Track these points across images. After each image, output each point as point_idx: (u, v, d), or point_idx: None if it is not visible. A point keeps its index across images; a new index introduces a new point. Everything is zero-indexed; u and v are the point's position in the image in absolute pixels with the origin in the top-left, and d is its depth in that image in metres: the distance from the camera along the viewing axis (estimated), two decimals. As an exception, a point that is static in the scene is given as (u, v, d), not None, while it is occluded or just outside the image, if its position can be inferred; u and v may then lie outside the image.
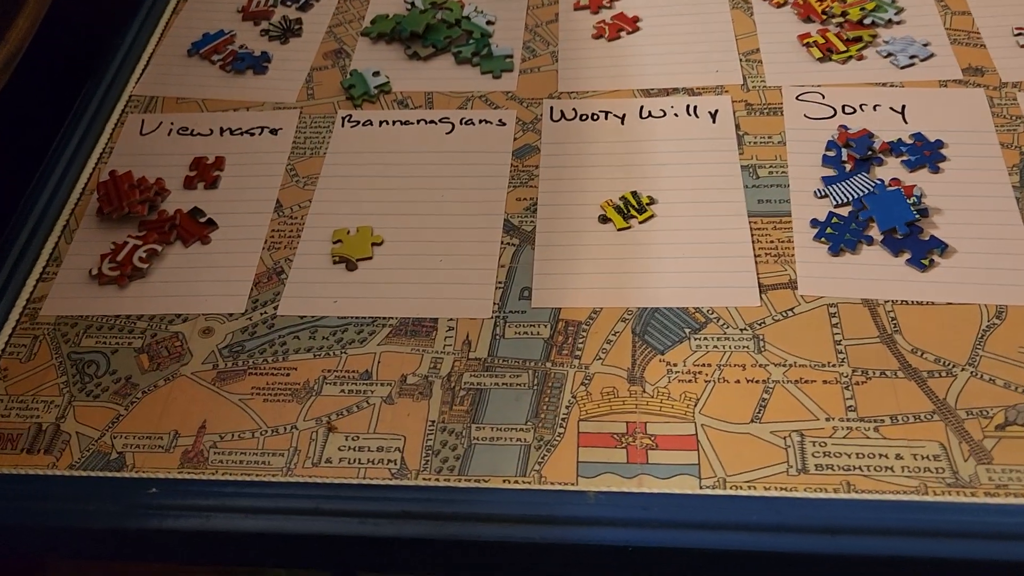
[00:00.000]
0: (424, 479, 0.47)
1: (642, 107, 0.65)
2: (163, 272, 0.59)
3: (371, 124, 0.66)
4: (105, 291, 0.58)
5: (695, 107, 0.64)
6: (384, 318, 0.55)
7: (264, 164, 0.64)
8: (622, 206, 0.58)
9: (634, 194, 0.59)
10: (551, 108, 0.65)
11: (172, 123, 0.68)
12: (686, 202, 0.58)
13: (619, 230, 0.57)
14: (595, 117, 0.64)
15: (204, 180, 0.64)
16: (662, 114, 0.64)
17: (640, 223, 0.58)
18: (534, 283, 0.55)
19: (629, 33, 0.70)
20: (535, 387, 0.51)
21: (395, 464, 0.48)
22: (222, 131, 0.67)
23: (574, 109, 0.65)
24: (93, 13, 0.77)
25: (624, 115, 0.64)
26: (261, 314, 0.56)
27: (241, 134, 0.67)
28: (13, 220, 0.62)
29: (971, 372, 0.49)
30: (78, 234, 0.61)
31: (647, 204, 0.58)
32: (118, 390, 0.53)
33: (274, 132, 0.67)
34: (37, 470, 0.50)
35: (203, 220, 0.61)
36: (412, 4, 0.74)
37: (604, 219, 0.58)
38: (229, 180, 0.64)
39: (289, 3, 0.76)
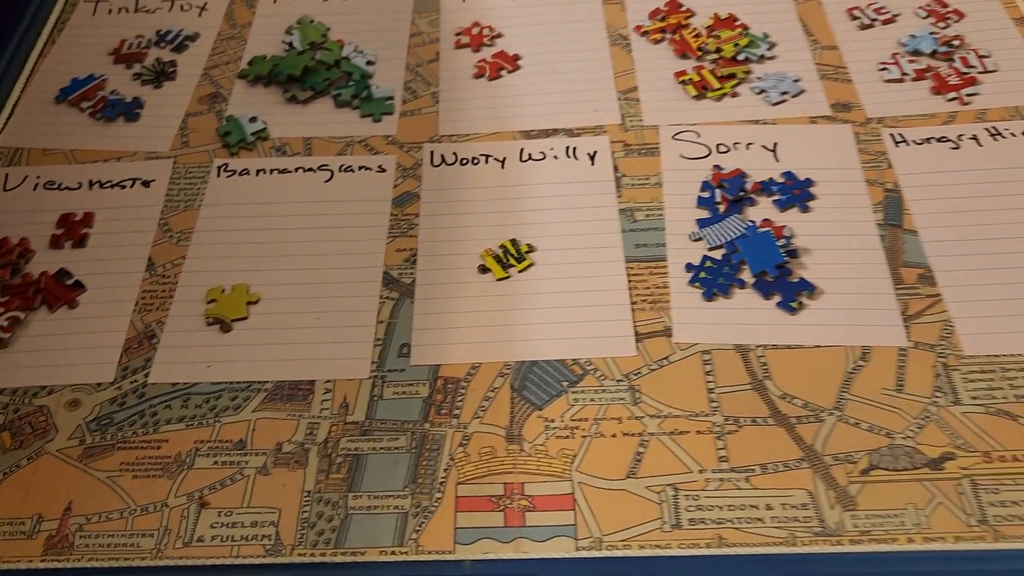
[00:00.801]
0: (299, 554, 0.46)
1: (522, 149, 0.64)
2: (26, 341, 0.56)
3: (248, 173, 0.65)
4: (-36, 364, 0.55)
5: (575, 148, 0.64)
6: (260, 382, 0.53)
7: (136, 219, 0.62)
8: (501, 255, 0.58)
9: (513, 242, 0.59)
10: (431, 153, 0.65)
11: (38, 177, 0.65)
12: (565, 249, 0.58)
13: (498, 280, 0.57)
14: (475, 161, 0.64)
15: (72, 238, 0.61)
16: (542, 156, 0.64)
17: (519, 272, 0.57)
18: (413, 339, 0.55)
19: (510, 72, 0.70)
20: (413, 450, 0.50)
21: (269, 540, 0.47)
22: (91, 184, 0.65)
23: (455, 153, 0.65)
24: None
25: (504, 158, 0.64)
26: (131, 383, 0.54)
27: (111, 187, 0.64)
28: None
29: (837, 417, 0.50)
30: (-65, 302, 0.58)
31: (526, 252, 0.58)
32: (-23, 473, 0.51)
33: (146, 184, 0.64)
34: None
35: (70, 283, 0.59)
36: (290, 45, 0.72)
37: (484, 269, 0.58)
38: (98, 237, 0.62)
39: (163, 45, 0.74)
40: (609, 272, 0.57)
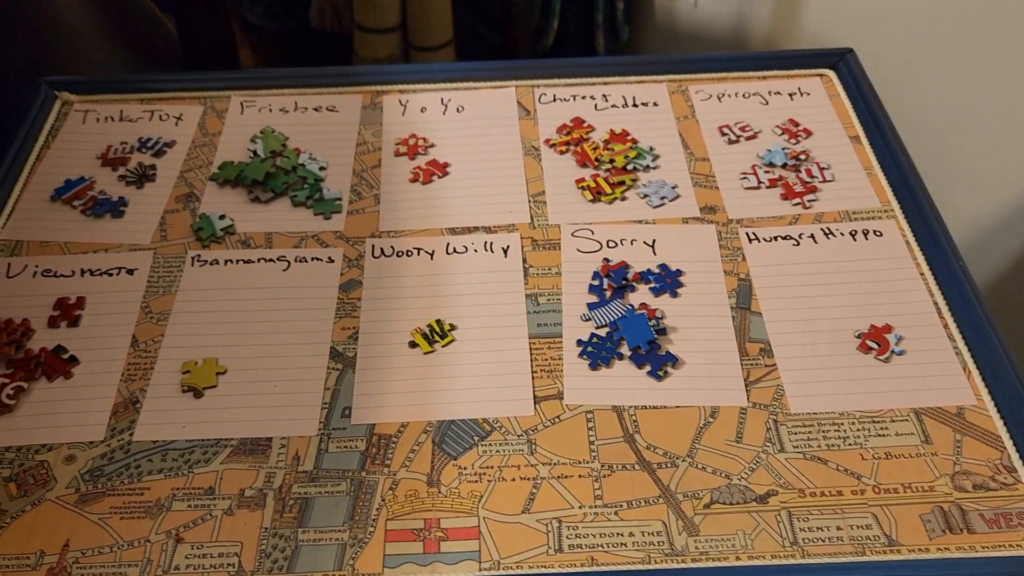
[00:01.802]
0: (257, 578, 0.58)
1: (448, 244, 0.78)
2: (29, 406, 0.67)
3: (217, 263, 0.77)
4: (-25, 426, 0.66)
5: (491, 243, 0.78)
6: (226, 439, 0.65)
7: (121, 303, 0.74)
8: (428, 332, 0.71)
9: (438, 322, 0.72)
10: (372, 246, 0.78)
11: (37, 266, 0.77)
12: (480, 327, 0.72)
13: (425, 354, 0.70)
14: (409, 253, 0.77)
15: (67, 319, 0.73)
16: (464, 250, 0.77)
17: (442, 347, 0.70)
18: (354, 403, 0.67)
19: (440, 177, 0.84)
20: (352, 493, 0.62)
21: (233, 567, 0.58)
22: (83, 272, 0.76)
23: (392, 247, 0.78)
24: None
25: (433, 251, 0.77)
26: (119, 440, 0.65)
27: (100, 274, 0.76)
28: None
29: (689, 463, 0.63)
30: (-51, 374, 0.69)
31: (448, 330, 0.71)
32: (-11, 517, 0.61)
33: (130, 272, 0.76)
34: (-85, 594, 0.57)
35: (66, 357, 0.70)
36: (254, 152, 0.86)
37: (413, 344, 0.70)
38: (89, 318, 0.73)
39: (144, 150, 0.87)
40: (515, 347, 0.70)
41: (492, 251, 0.77)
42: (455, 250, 0.78)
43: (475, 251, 0.77)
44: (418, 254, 0.77)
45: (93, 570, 0.58)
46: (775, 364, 0.68)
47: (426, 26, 1.41)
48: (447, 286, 0.75)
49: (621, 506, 0.61)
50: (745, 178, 0.82)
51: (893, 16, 1.18)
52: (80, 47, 1.09)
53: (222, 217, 0.80)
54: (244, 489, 0.62)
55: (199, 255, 0.78)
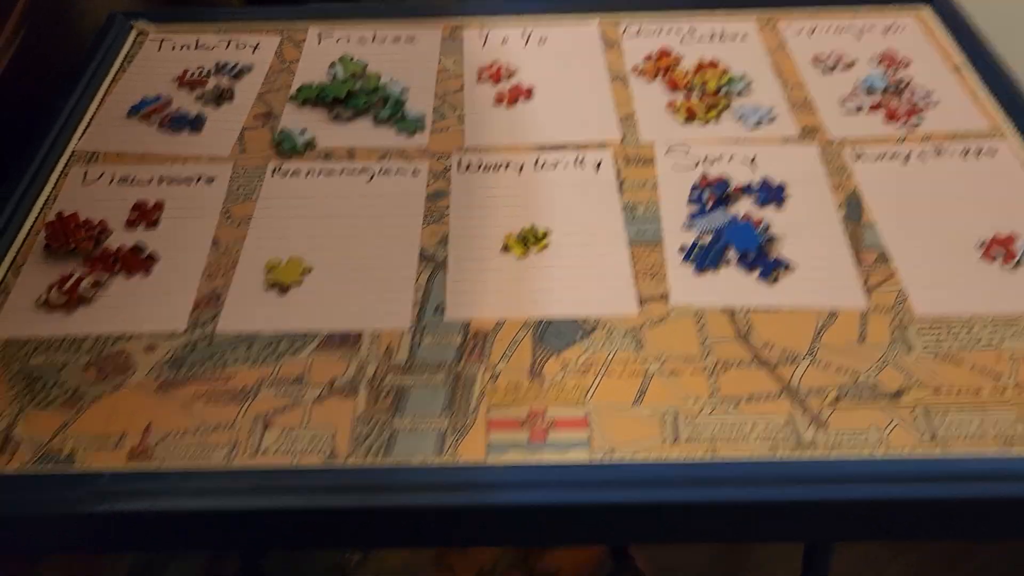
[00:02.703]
0: (353, 462, 0.54)
1: (537, 159, 0.75)
2: (108, 299, 0.64)
3: (299, 174, 0.74)
4: (52, 316, 0.63)
5: (582, 159, 0.75)
6: (314, 333, 0.62)
7: (201, 208, 0.71)
8: (521, 238, 0.68)
9: (531, 227, 0.68)
10: (459, 160, 0.75)
11: (114, 173, 0.75)
12: (576, 233, 0.68)
13: (519, 257, 0.66)
14: (497, 167, 0.74)
15: (145, 221, 0.70)
16: (554, 165, 0.74)
17: (537, 251, 0.67)
18: (447, 301, 0.63)
19: (525, 101, 0.81)
20: (449, 385, 0.58)
21: (326, 452, 0.54)
22: (160, 180, 0.74)
23: (479, 160, 0.75)
24: (35, 83, 0.84)
25: (522, 165, 0.74)
26: (201, 332, 0.62)
27: (179, 183, 0.74)
28: (-40, 257, 0.67)
29: (810, 360, 0.59)
30: (25, 268, 0.67)
31: (543, 235, 0.68)
32: (67, 400, 0.58)
33: (209, 181, 0.74)
34: (-11, 469, 0.54)
35: (144, 255, 0.67)
36: (334, 76, 0.84)
37: (506, 248, 0.67)
38: (168, 222, 0.70)
39: (221, 74, 0.85)
40: (614, 251, 0.66)
41: (583, 166, 0.74)
42: (544, 164, 0.74)
43: (565, 166, 0.74)
44: (506, 168, 0.74)
45: (176, 451, 0.55)
46: (894, 271, 0.64)
47: None
48: (538, 196, 0.72)
49: (740, 400, 0.57)
50: (845, 103, 0.79)
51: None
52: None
53: (303, 132, 0.78)
54: (335, 379, 0.59)
55: (280, 166, 0.75)
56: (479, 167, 0.74)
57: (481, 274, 0.65)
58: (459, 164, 0.75)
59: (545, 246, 0.67)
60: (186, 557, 1.45)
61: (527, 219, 0.69)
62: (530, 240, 0.67)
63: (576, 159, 0.75)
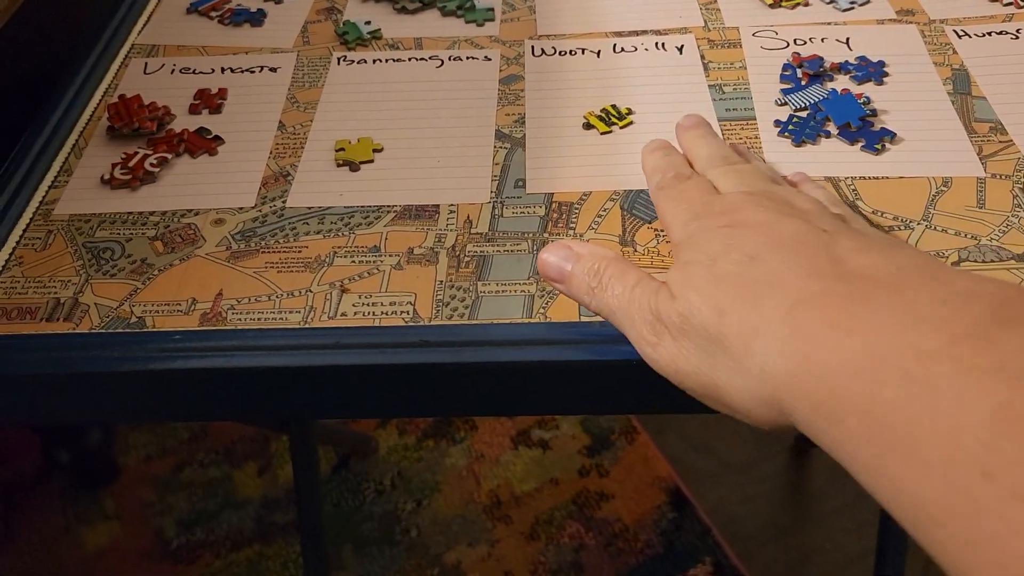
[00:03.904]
0: (438, 323, 0.50)
1: (615, 44, 0.71)
2: (173, 177, 0.62)
3: (365, 62, 0.71)
4: (117, 193, 0.61)
5: (663, 43, 0.71)
6: (388, 206, 0.58)
7: (265, 94, 0.69)
8: (603, 115, 0.64)
9: (614, 106, 0.64)
10: (532, 46, 0.71)
11: (175, 64, 0.72)
12: (661, 112, 0.64)
13: (602, 134, 0.63)
14: (572, 52, 0.70)
15: (208, 106, 0.67)
16: (633, 49, 0.70)
17: (620, 128, 0.63)
18: (527, 175, 0.60)
19: (599, -9, 0.77)
20: (535, 252, 0.55)
21: (408, 314, 0.51)
22: (223, 70, 0.71)
23: (553, 47, 0.71)
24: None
25: (599, 50, 0.70)
26: (271, 206, 0.59)
27: (241, 72, 0.71)
28: (23, 140, 0.65)
29: (926, 225, 0.54)
30: (88, 150, 0.64)
31: (626, 113, 0.64)
32: (134, 270, 0.55)
33: (273, 70, 0.71)
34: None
35: (210, 136, 0.64)
36: (398, -30, 0.80)
37: (587, 126, 0.63)
38: (232, 107, 0.68)
39: (281, -28, 0.82)
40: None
41: (664, 49, 0.70)
42: (623, 49, 0.70)
43: (645, 50, 0.70)
44: (582, 53, 0.70)
45: (250, 315, 0.52)
46: (1011, 140, 0.59)
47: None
48: (618, 78, 0.68)
49: (852, 264, 0.52)
50: (943, -16, 0.74)
51: None
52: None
53: (368, 23, 0.75)
54: (412, 248, 0.55)
55: (345, 55, 0.72)
56: (554, 52, 0.71)
57: (562, 150, 0.62)
58: (533, 50, 0.71)
59: (629, 123, 0.63)
60: (243, 505, 1.43)
61: (607, 100, 0.66)
62: (613, 117, 0.64)
63: (656, 43, 0.71)
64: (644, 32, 0.72)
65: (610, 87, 0.67)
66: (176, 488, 1.46)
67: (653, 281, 0.44)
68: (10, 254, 0.57)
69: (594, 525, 1.40)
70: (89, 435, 1.46)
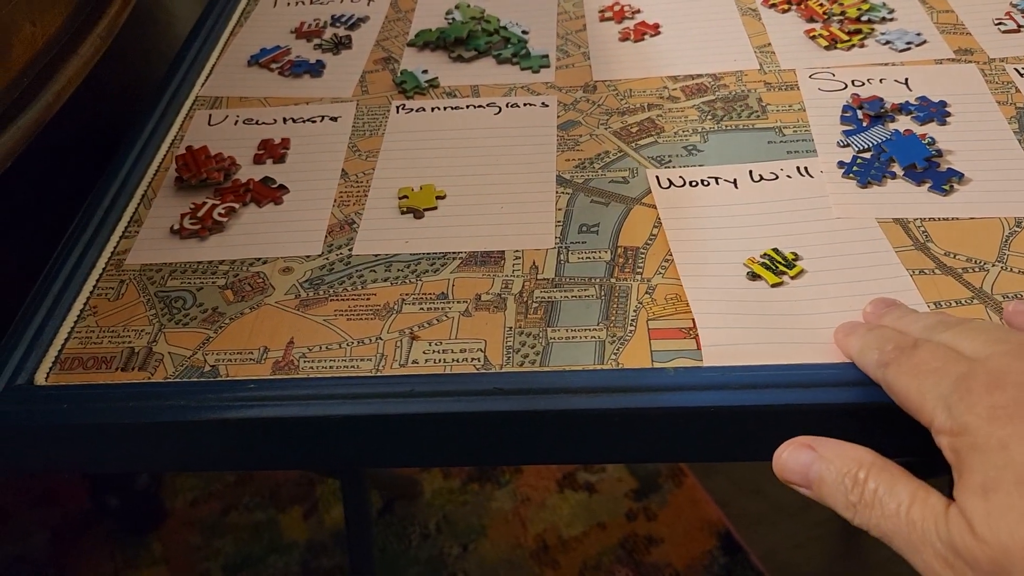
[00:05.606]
0: (509, 371, 0.50)
1: (751, 171, 0.65)
2: (240, 227, 0.63)
3: (424, 110, 0.72)
4: (186, 243, 0.62)
5: (806, 167, 0.64)
6: (454, 253, 0.59)
7: (327, 143, 0.70)
8: (767, 262, 0.60)
9: (775, 250, 0.60)
10: (656, 176, 0.64)
11: (238, 115, 0.74)
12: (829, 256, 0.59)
13: (772, 286, 0.59)
14: (705, 183, 0.65)
15: (272, 156, 0.68)
16: (774, 177, 0.63)
17: (791, 278, 0.58)
18: (702, 337, 0.51)
19: (652, 36, 0.78)
20: (603, 298, 0.54)
21: (479, 361, 0.51)
22: (285, 120, 0.73)
23: (681, 177, 0.65)
24: (155, 36, 0.84)
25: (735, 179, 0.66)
26: (337, 254, 0.60)
27: (303, 122, 0.72)
28: (94, 192, 0.66)
29: (1001, 267, 0.53)
30: (156, 201, 0.66)
31: (793, 260, 0.59)
32: (206, 318, 0.56)
33: (334, 119, 0.72)
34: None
35: (275, 186, 0.66)
36: (453, 19, 0.82)
37: (753, 276, 0.58)
38: (295, 157, 0.69)
39: (338, 25, 0.84)
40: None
41: (810, 175, 0.67)
42: (761, 177, 0.68)
43: (787, 177, 0.64)
44: (716, 183, 0.68)
45: (322, 364, 0.52)
46: (1083, 179, 0.59)
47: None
48: (768, 213, 0.66)
49: (928, 306, 0.51)
50: (1000, 23, 0.73)
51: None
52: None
53: (425, 72, 0.76)
54: (480, 294, 0.56)
55: (404, 104, 0.73)
56: (683, 183, 0.67)
57: (733, 305, 0.58)
58: (659, 180, 0.65)
59: (800, 271, 0.61)
60: (288, 549, 1.43)
61: (765, 243, 0.61)
62: (780, 265, 0.61)
63: (799, 168, 0.69)
64: (700, 76, 0.72)
65: (763, 224, 0.60)
66: (222, 532, 1.46)
67: (931, 494, 0.37)
68: (84, 303, 0.58)
69: (644, 570, 1.37)
70: (137, 479, 1.47)
